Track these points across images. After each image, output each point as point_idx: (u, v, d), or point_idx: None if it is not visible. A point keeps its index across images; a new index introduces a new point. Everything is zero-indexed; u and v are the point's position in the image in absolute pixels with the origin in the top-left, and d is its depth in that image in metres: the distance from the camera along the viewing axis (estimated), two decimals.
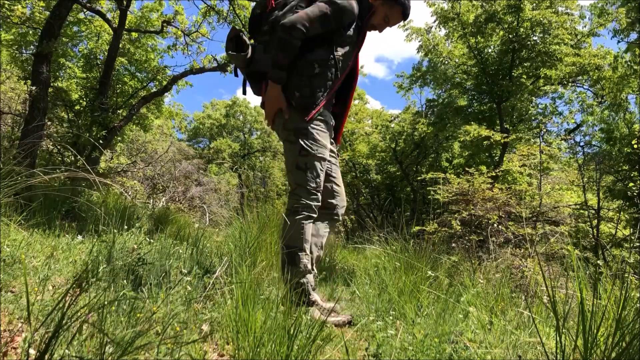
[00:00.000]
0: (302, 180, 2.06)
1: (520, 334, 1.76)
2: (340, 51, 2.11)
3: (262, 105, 2.22)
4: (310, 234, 2.09)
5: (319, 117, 2.11)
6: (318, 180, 2.09)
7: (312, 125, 2.08)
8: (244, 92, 2.36)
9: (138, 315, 1.46)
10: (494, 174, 6.06)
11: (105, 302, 1.33)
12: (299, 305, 1.95)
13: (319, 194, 2.10)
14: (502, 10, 10.04)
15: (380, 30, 2.29)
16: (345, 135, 14.53)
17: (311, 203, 2.07)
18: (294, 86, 2.06)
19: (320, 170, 2.10)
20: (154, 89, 8.45)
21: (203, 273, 2.10)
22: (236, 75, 2.32)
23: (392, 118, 14.80)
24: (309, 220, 2.07)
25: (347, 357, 1.40)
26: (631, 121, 10.87)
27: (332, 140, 2.30)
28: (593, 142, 13.23)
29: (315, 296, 2.07)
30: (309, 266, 2.06)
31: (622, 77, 10.19)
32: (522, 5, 9.70)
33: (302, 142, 2.05)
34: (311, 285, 2.06)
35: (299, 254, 2.02)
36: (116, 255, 2.22)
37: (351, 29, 2.15)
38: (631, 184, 7.36)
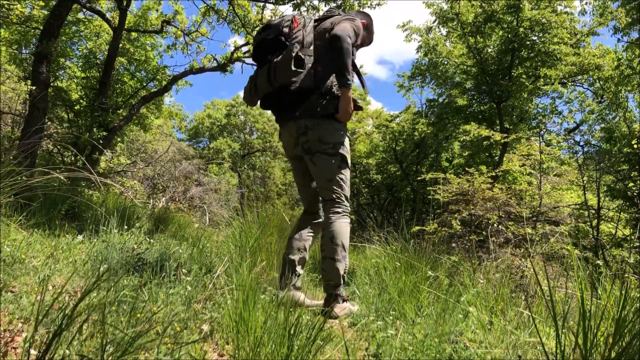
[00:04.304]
0: (343, 190, 2.32)
1: (520, 334, 1.76)
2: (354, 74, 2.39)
3: (280, 136, 2.48)
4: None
5: (348, 134, 2.40)
6: (349, 187, 2.38)
7: (346, 141, 2.35)
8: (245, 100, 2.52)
9: (138, 315, 1.46)
10: (494, 174, 6.06)
11: (106, 303, 1.33)
12: (343, 301, 2.21)
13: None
14: (501, 10, 10.03)
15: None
16: None
17: (349, 208, 2.35)
18: (334, 98, 2.27)
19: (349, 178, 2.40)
20: (154, 89, 8.44)
21: (203, 273, 2.10)
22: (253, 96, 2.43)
23: (392, 118, 14.79)
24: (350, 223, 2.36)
25: (347, 357, 1.40)
26: (631, 120, 10.87)
27: None
28: (593, 142, 13.23)
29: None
30: (348, 261, 2.32)
31: (623, 77, 10.19)
32: (521, 5, 9.69)
33: (342, 154, 2.31)
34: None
35: (346, 252, 2.26)
36: (116, 255, 2.22)
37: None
38: (631, 184, 7.36)
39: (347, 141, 2.36)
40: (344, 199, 2.31)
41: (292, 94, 2.28)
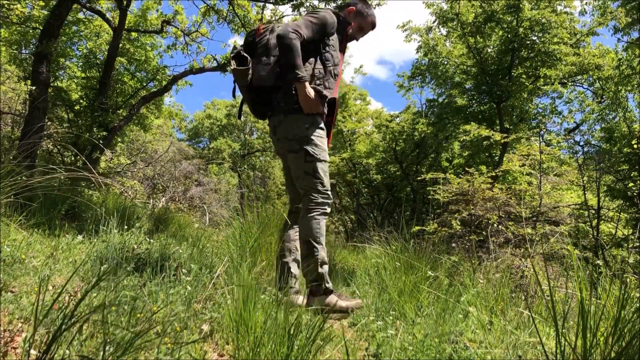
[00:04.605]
0: (311, 184, 2.29)
1: (520, 334, 1.76)
2: (330, 61, 2.39)
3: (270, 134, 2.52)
4: (325, 229, 2.31)
5: (319, 125, 2.35)
6: (324, 181, 2.31)
7: (311, 132, 2.30)
8: (239, 117, 2.64)
9: (138, 315, 1.46)
10: (494, 174, 6.06)
11: (106, 303, 1.33)
12: (319, 295, 2.19)
13: (328, 192, 2.33)
14: (501, 10, 10.03)
15: (358, 39, 2.65)
16: (345, 135, 14.53)
17: (323, 201, 2.29)
18: (297, 94, 2.29)
19: (324, 172, 2.32)
20: (154, 89, 8.44)
21: (203, 273, 2.10)
22: (234, 96, 2.56)
23: (392, 118, 14.78)
24: (324, 217, 2.29)
25: (347, 357, 1.40)
26: (631, 120, 10.87)
27: None
28: (593, 142, 13.23)
29: (331, 285, 2.30)
30: (326, 258, 2.27)
31: (623, 77, 10.19)
32: (521, 5, 9.69)
33: (306, 149, 2.28)
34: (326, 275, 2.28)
35: (317, 246, 2.23)
36: (116, 255, 2.22)
37: (333, 39, 2.42)
38: (631, 184, 7.36)
39: (316, 133, 2.31)
40: (314, 192, 2.29)
41: (257, 92, 2.38)
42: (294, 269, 2.36)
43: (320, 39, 2.36)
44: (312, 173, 2.28)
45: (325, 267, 2.25)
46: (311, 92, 2.24)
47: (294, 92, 2.29)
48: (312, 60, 2.34)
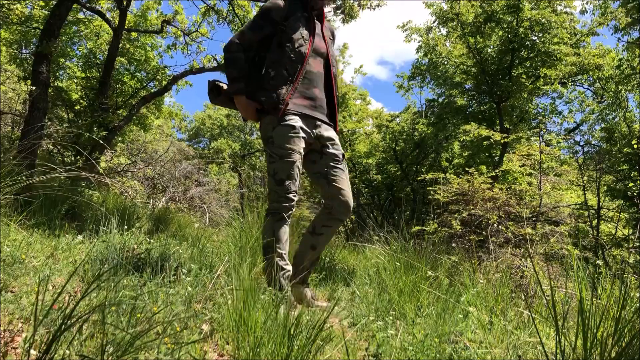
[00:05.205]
0: (271, 185, 2.23)
1: (520, 334, 1.76)
2: (289, 46, 2.29)
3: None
4: (283, 234, 2.23)
5: (284, 123, 2.23)
6: (287, 183, 2.20)
7: (275, 132, 2.23)
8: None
9: (138, 315, 1.46)
10: (494, 174, 6.06)
11: (106, 303, 1.33)
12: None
13: (289, 195, 2.21)
14: (501, 10, 10.03)
15: (328, 2, 2.61)
16: (345, 135, 14.53)
17: (278, 205, 2.20)
18: (259, 95, 2.29)
19: (289, 173, 2.20)
20: (154, 89, 8.44)
21: (203, 273, 2.10)
22: (245, 120, 2.61)
23: (392, 118, 14.79)
24: (279, 222, 2.20)
25: (347, 357, 1.40)
26: (631, 120, 10.86)
27: (332, 144, 2.40)
28: (593, 142, 13.23)
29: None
30: (279, 262, 2.19)
31: (624, 76, 10.20)
32: (521, 5, 9.70)
33: (269, 150, 2.25)
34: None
35: (269, 248, 2.18)
36: (116, 255, 2.22)
37: (290, 21, 2.32)
38: (631, 184, 7.37)
39: (280, 132, 2.20)
40: (271, 194, 2.22)
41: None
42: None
43: (275, 29, 2.30)
44: (272, 174, 2.22)
45: (281, 273, 2.16)
46: (244, 103, 2.28)
47: (262, 98, 2.27)
48: (270, 54, 2.32)
